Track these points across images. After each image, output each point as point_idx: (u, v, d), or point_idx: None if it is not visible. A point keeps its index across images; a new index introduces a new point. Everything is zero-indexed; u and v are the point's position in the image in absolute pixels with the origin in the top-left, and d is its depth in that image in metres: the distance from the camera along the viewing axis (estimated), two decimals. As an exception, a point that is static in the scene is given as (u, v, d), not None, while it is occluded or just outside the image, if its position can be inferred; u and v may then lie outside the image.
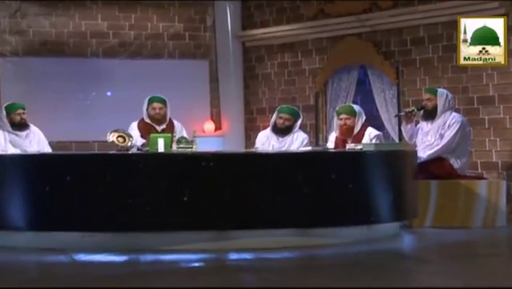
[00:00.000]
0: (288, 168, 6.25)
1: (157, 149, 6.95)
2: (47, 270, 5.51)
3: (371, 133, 7.63)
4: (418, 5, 9.20)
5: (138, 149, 7.75)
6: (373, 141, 7.49)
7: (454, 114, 7.73)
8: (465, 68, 8.58)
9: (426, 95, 7.85)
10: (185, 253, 5.92)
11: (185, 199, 6.03)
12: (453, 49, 8.19)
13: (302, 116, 8.15)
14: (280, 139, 8.00)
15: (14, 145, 7.93)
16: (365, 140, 7.51)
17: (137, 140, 7.82)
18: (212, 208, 6.07)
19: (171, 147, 7.05)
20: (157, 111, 8.06)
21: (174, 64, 10.76)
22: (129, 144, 7.31)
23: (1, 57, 10.15)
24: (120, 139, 7.32)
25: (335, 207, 6.31)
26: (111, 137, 7.29)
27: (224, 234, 6.16)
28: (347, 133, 7.64)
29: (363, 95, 10.12)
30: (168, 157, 6.50)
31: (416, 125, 7.96)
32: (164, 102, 8.11)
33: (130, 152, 7.12)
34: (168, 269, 5.53)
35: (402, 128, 8.04)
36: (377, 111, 9.71)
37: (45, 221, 6.15)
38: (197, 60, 10.89)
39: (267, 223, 6.15)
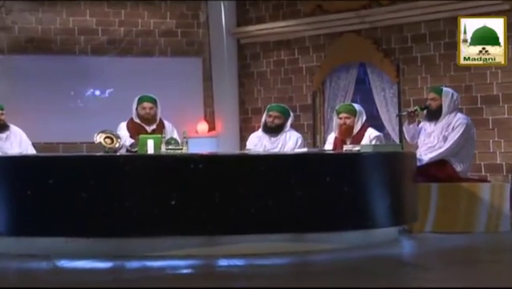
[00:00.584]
0: (281, 171, 6.23)
1: (146, 151, 6.95)
2: (28, 278, 5.47)
3: (371, 134, 7.61)
4: (419, 0, 9.17)
5: (127, 150, 7.74)
6: (373, 142, 7.46)
7: (459, 115, 7.69)
8: (468, 66, 8.54)
9: (431, 95, 7.80)
10: (173, 259, 5.88)
11: (173, 203, 6.00)
12: (456, 46, 8.12)
13: (292, 114, 8.14)
14: (272, 139, 7.99)
15: (-7, 148, 7.90)
16: (365, 140, 7.50)
17: (126, 140, 7.80)
18: (201, 212, 6.04)
19: (160, 148, 7.01)
20: (147, 110, 8.05)
21: (166, 62, 10.76)
22: (117, 145, 7.31)
23: (-15, 55, 10.15)
24: (108, 140, 7.30)
25: (329, 211, 6.28)
26: (99, 138, 7.28)
27: (213, 239, 6.13)
28: (346, 133, 7.62)
29: (363, 94, 10.11)
30: (155, 159, 6.47)
31: (417, 125, 7.91)
32: (154, 101, 8.10)
33: (118, 153, 7.08)
34: (154, 276, 5.50)
35: (404, 129, 8.01)
36: (377, 111, 9.70)
37: (26, 226, 6.11)
38: (189, 58, 10.89)
39: (259, 228, 6.12)
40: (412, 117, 7.79)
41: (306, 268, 5.83)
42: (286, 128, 8.00)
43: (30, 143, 8.18)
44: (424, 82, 9.20)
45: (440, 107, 7.65)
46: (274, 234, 6.16)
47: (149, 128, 8.02)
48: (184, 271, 5.68)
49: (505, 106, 8.61)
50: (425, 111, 7.79)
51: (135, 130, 7.94)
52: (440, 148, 7.57)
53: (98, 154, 6.93)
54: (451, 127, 7.59)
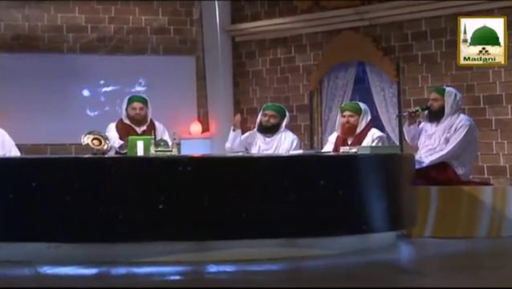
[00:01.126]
0: (273, 173, 6.20)
1: (136, 153, 6.92)
2: (9, 285, 5.41)
3: (374, 134, 7.60)
4: (420, -4, 9.20)
5: (116, 152, 7.71)
6: (375, 142, 7.45)
7: (462, 116, 7.65)
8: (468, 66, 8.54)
9: (433, 95, 7.77)
10: (161, 265, 5.85)
11: (161, 207, 5.97)
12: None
13: (288, 114, 8.13)
14: (267, 139, 7.99)
15: (-26, 151, 7.85)
16: (367, 141, 7.49)
17: (115, 142, 7.78)
18: (189, 216, 6.01)
19: (150, 150, 6.99)
20: (137, 111, 8.03)
21: (158, 60, 10.76)
22: (105, 147, 7.28)
23: (-31, 53, 10.14)
24: (96, 142, 7.30)
25: (324, 215, 6.23)
26: (86, 140, 7.29)
27: (203, 244, 6.09)
28: (348, 132, 7.61)
29: (362, 93, 10.11)
30: (142, 161, 6.44)
31: (418, 126, 7.87)
32: (145, 102, 8.09)
33: (107, 155, 7.05)
34: (142, 283, 5.48)
35: (404, 129, 7.99)
36: (376, 111, 9.70)
37: (7, 231, 6.06)
38: (182, 56, 10.90)
39: (250, 233, 6.09)
40: (413, 118, 7.76)
41: (300, 275, 5.80)
42: (281, 129, 8.00)
43: (14, 144, 8.13)
44: (424, 81, 9.20)
45: (442, 108, 7.62)
46: (266, 240, 6.13)
47: (139, 130, 7.99)
48: (173, 278, 5.66)
49: (509, 106, 8.63)
50: (426, 112, 7.76)
51: (124, 131, 7.91)
52: (442, 150, 7.54)
53: (83, 156, 6.89)
54: (453, 128, 7.55)
